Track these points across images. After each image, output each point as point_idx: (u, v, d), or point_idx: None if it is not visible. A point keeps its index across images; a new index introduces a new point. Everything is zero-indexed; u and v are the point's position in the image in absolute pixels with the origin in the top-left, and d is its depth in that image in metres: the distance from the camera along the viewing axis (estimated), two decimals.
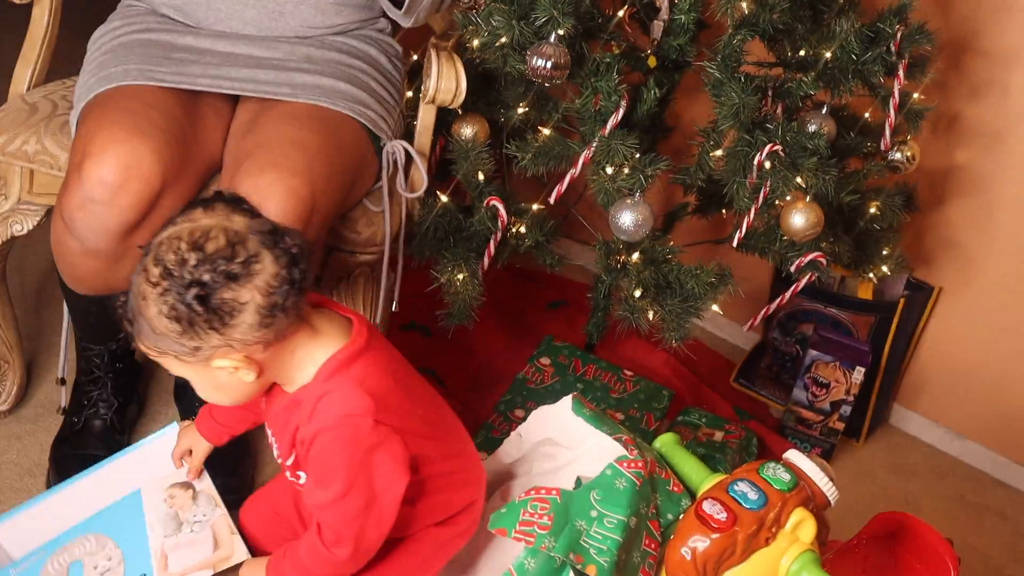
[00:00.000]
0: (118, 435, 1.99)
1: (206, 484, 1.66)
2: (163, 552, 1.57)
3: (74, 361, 2.05)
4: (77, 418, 1.99)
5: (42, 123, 1.86)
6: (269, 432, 1.47)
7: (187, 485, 1.65)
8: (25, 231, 1.90)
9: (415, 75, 2.15)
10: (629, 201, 1.92)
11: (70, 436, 1.99)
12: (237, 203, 1.29)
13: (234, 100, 1.84)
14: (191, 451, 1.64)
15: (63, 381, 2.11)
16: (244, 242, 1.25)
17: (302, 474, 1.42)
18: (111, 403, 1.98)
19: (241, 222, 1.27)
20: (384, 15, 2.01)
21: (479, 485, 1.53)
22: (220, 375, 1.31)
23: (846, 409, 2.39)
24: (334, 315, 1.40)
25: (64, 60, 2.06)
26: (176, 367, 1.32)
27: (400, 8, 1.84)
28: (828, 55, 2.03)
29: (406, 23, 1.90)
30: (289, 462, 1.42)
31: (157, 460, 1.68)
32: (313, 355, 1.35)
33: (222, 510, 1.63)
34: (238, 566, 1.54)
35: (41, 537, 1.61)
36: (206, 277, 1.22)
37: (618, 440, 1.56)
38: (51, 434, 2.04)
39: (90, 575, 1.56)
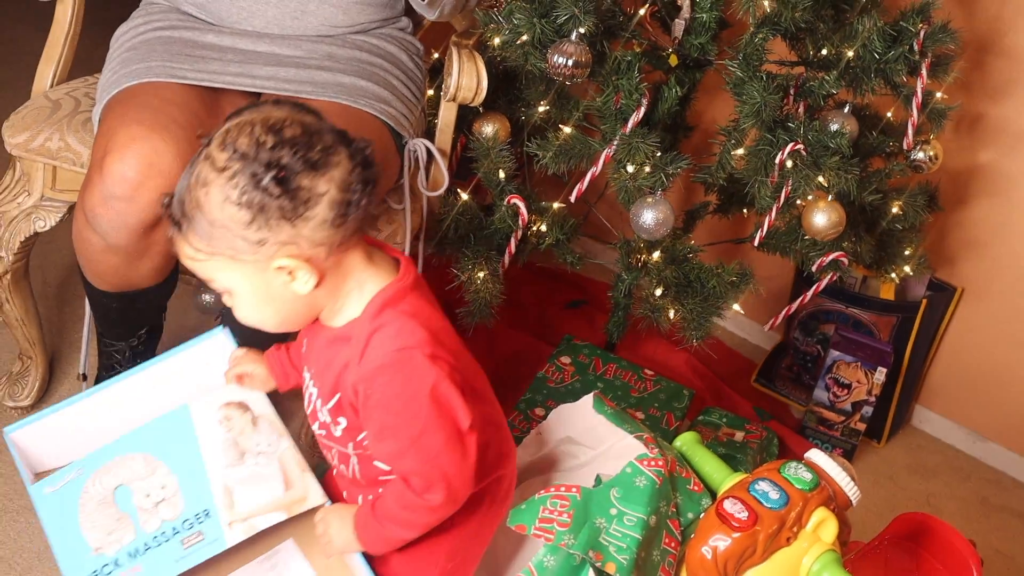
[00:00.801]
0: None
1: (268, 410, 1.50)
2: (226, 486, 1.42)
3: (96, 357, 2.06)
4: None
5: (65, 120, 1.87)
6: (308, 375, 1.40)
7: (244, 407, 1.49)
8: (48, 227, 1.91)
9: (436, 73, 2.15)
10: (650, 199, 1.92)
11: None
12: (302, 106, 1.24)
13: (255, 98, 1.84)
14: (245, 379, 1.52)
15: (84, 377, 2.12)
16: (320, 133, 1.20)
17: (342, 420, 1.34)
18: None
19: (312, 118, 1.22)
20: (406, 13, 2.01)
21: (512, 458, 1.48)
22: (275, 282, 1.23)
23: (867, 410, 2.38)
24: (382, 252, 1.34)
25: (87, 57, 2.07)
26: (225, 273, 1.24)
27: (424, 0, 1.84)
28: (850, 54, 2.02)
29: (430, 15, 1.90)
30: (330, 405, 1.34)
31: (205, 370, 1.54)
32: (363, 285, 1.28)
33: (289, 442, 1.47)
34: (314, 510, 1.41)
35: (76, 449, 1.47)
36: (285, 159, 1.16)
37: (639, 438, 1.56)
38: None
39: (141, 503, 1.41)
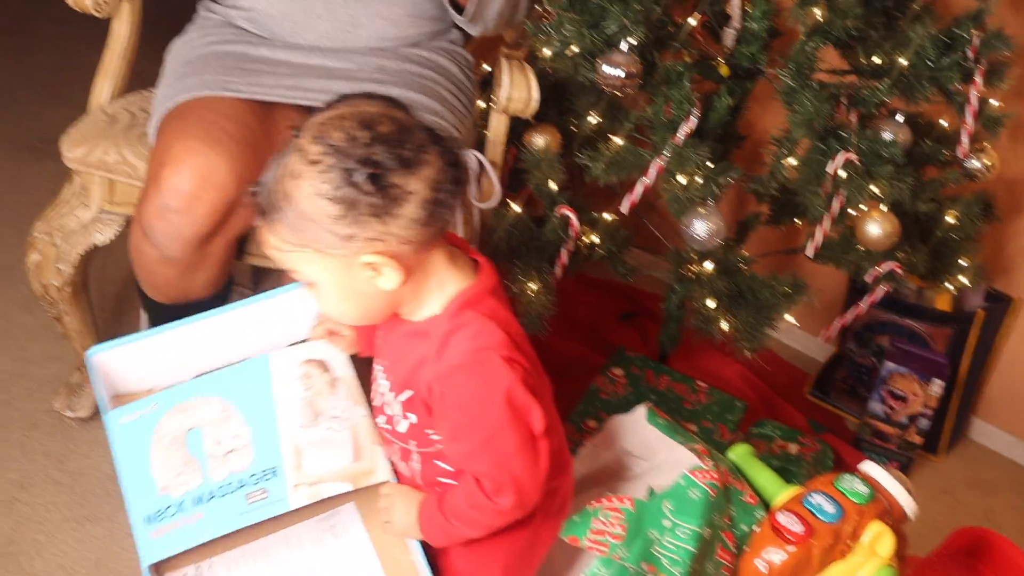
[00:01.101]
0: None
1: (348, 373, 1.48)
2: (297, 446, 1.41)
3: None
4: None
5: (121, 134, 1.89)
6: (380, 367, 1.39)
7: (324, 366, 1.48)
8: (106, 240, 1.93)
9: (487, 85, 2.15)
10: (701, 210, 1.91)
11: None
12: (394, 101, 1.25)
13: (307, 111, 1.85)
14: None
15: None
16: (412, 131, 1.20)
17: (411, 416, 1.34)
18: None
19: (404, 114, 1.22)
20: (457, 26, 2.02)
21: (569, 471, 1.48)
22: (359, 277, 1.23)
23: (924, 422, 2.35)
24: (463, 253, 1.34)
25: (143, 71, 2.10)
26: (309, 265, 1.24)
27: (464, 15, 1.85)
28: (903, 62, 2.00)
29: (474, 31, 1.91)
30: (402, 398, 1.34)
31: (290, 321, 1.51)
32: (444, 284, 1.28)
33: (364, 410, 1.45)
34: (379, 487, 1.41)
35: (155, 378, 1.48)
36: (379, 156, 1.16)
37: (692, 450, 1.55)
38: None
39: (211, 450, 1.40)
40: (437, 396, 1.27)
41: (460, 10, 1.89)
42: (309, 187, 1.17)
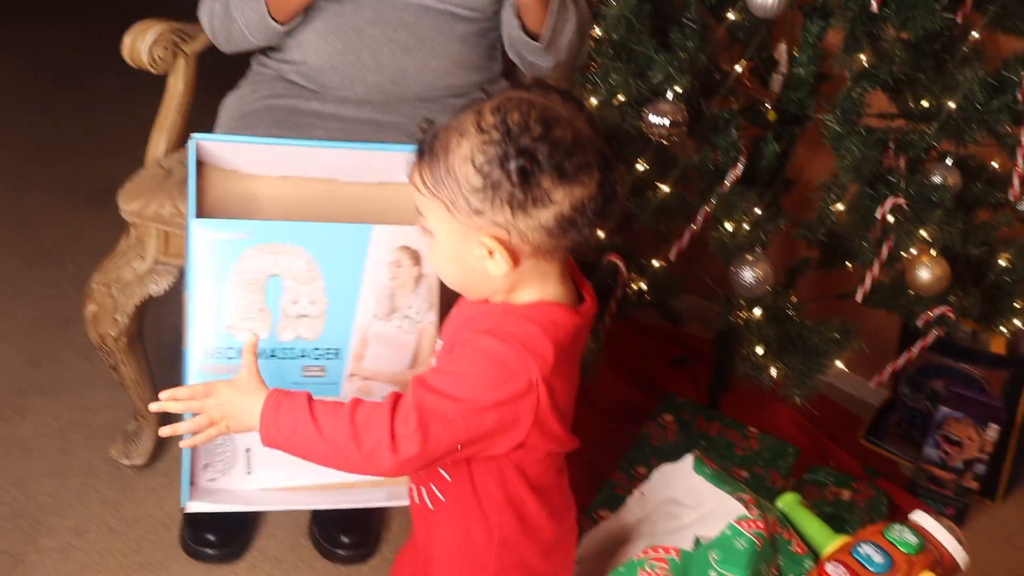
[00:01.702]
0: None
1: (433, 273, 1.45)
2: (365, 336, 1.40)
3: None
4: None
5: (176, 187, 1.93)
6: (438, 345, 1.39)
7: (417, 258, 1.46)
8: (161, 291, 1.97)
9: None
10: (749, 257, 1.91)
11: None
12: (590, 115, 1.24)
13: None
14: None
15: None
16: (586, 149, 1.19)
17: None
18: None
19: (588, 130, 1.21)
20: (505, 75, 2.05)
21: (567, 515, 1.44)
22: (472, 251, 1.22)
23: (980, 468, 2.32)
24: (575, 283, 1.33)
25: (198, 124, 2.14)
26: (435, 217, 1.23)
27: (539, 42, 1.87)
28: (952, 105, 1.99)
29: (546, 62, 1.91)
30: (436, 348, 1.34)
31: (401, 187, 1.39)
32: (541, 295, 1.27)
33: (435, 317, 1.44)
34: None
35: (253, 179, 1.41)
36: (540, 155, 1.16)
37: (739, 499, 1.55)
38: None
39: (286, 307, 1.38)
40: (460, 341, 1.26)
41: (533, 38, 1.90)
42: (467, 150, 1.18)
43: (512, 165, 1.16)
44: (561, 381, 1.26)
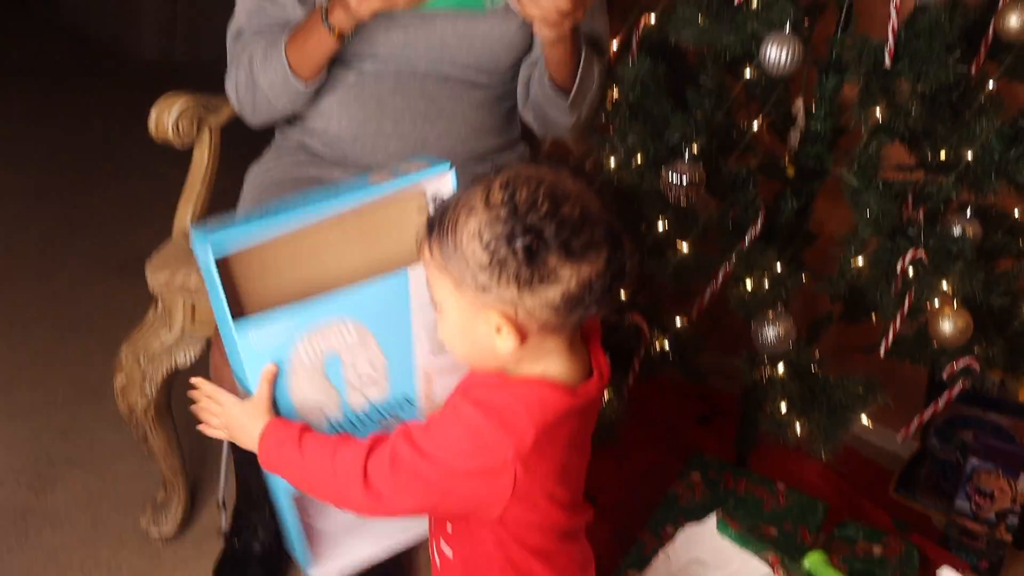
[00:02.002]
0: (277, 560, 2.04)
1: None
2: (427, 373, 1.40)
3: (235, 485, 2.12)
4: (237, 541, 2.06)
5: None
6: None
7: None
8: (188, 362, 1.99)
9: None
10: (771, 314, 1.91)
11: (231, 560, 2.05)
12: (601, 191, 1.23)
13: None
14: None
15: (223, 504, 2.19)
16: (595, 226, 1.18)
17: None
18: (270, 527, 2.03)
19: (598, 207, 1.20)
20: (524, 138, 2.07)
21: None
22: (480, 327, 1.22)
23: (1013, 519, 2.30)
24: (584, 350, 1.31)
25: (224, 192, 2.17)
26: (443, 292, 1.24)
27: (566, 99, 1.89)
28: (969, 156, 2.00)
29: (566, 120, 1.93)
30: None
31: (422, 213, 1.35)
32: (547, 370, 1.26)
33: None
34: None
35: (280, 276, 1.37)
36: (546, 233, 1.15)
37: (764, 560, 1.54)
38: (215, 557, 2.11)
39: (350, 377, 1.38)
40: (448, 403, 1.27)
41: (565, 94, 1.92)
42: (475, 226, 1.18)
43: (519, 243, 1.15)
44: (545, 463, 1.25)
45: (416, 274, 1.38)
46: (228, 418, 1.39)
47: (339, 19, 1.74)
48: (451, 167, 1.39)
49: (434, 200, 1.30)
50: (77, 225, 3.49)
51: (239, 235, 1.29)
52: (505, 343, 1.21)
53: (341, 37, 1.76)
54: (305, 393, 1.37)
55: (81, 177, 3.86)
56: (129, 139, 3.99)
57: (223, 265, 1.30)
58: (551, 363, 1.27)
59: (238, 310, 1.33)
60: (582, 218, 1.17)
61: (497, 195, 1.18)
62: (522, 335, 1.21)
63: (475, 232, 1.17)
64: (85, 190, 3.76)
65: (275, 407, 1.36)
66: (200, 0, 5.27)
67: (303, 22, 1.82)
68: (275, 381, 1.34)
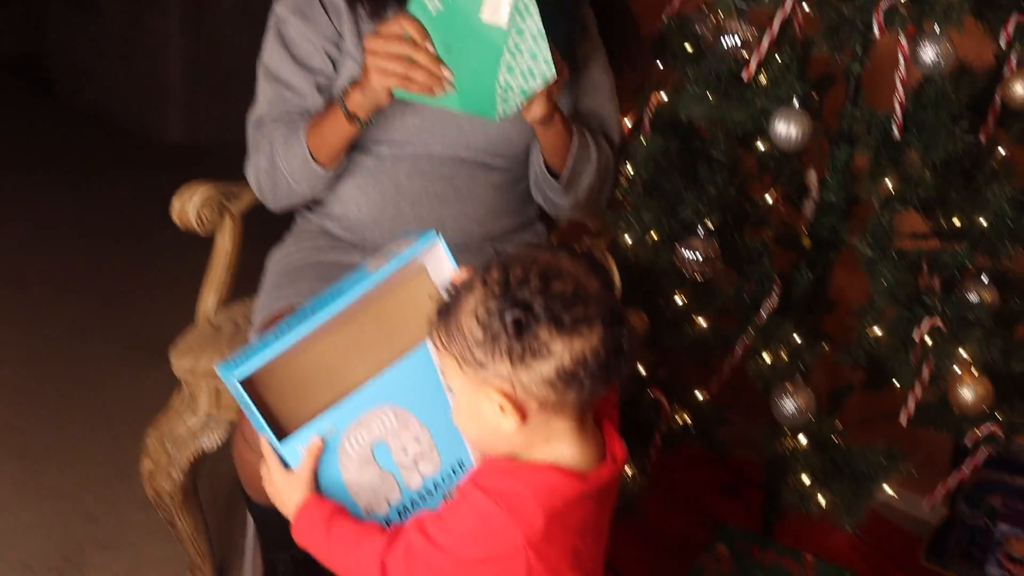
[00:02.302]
0: None
1: None
2: None
3: (262, 566, 2.13)
4: None
5: (226, 343, 1.99)
6: None
7: None
8: (213, 446, 2.01)
9: None
10: (790, 387, 1.92)
11: None
12: (600, 271, 1.26)
13: None
14: None
15: None
16: (587, 303, 1.20)
17: None
18: None
19: (594, 286, 1.22)
20: (541, 218, 2.10)
21: None
22: (485, 406, 1.24)
23: None
24: (598, 436, 1.32)
25: (249, 272, 2.20)
26: (452, 372, 1.26)
27: (559, 181, 1.92)
28: (983, 222, 2.01)
29: (564, 202, 1.96)
30: None
31: (421, 289, 1.42)
32: (558, 455, 1.27)
33: None
34: None
35: (311, 391, 1.40)
36: (536, 307, 1.18)
37: None
38: None
39: (401, 459, 1.40)
40: (459, 490, 1.30)
41: (556, 177, 1.96)
42: (472, 304, 1.21)
43: (508, 317, 1.18)
44: (558, 549, 1.26)
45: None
46: (271, 484, 1.42)
47: (356, 102, 1.77)
48: (438, 235, 1.41)
49: (437, 275, 1.37)
50: (105, 309, 3.53)
51: (259, 359, 1.33)
52: (508, 422, 1.23)
53: (360, 122, 1.80)
54: (363, 484, 1.40)
55: (109, 261, 3.92)
56: (154, 222, 4.04)
57: (249, 385, 1.35)
58: (562, 448, 1.28)
59: (274, 422, 1.38)
60: (574, 294, 1.20)
61: (494, 275, 1.21)
62: (522, 413, 1.23)
63: (472, 309, 1.21)
64: (113, 274, 3.81)
65: (330, 493, 1.39)
66: (222, 84, 5.37)
67: (324, 109, 1.87)
68: (320, 457, 1.37)
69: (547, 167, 1.94)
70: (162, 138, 5.42)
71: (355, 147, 1.91)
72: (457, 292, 1.25)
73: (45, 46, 6.15)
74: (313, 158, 1.86)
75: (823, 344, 2.05)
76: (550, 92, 1.71)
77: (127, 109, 5.58)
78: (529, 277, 1.20)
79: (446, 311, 1.25)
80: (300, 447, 1.36)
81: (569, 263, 1.23)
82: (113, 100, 5.67)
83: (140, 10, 5.38)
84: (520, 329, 1.18)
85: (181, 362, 1.98)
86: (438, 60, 1.67)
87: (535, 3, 1.61)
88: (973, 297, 2.02)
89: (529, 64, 1.65)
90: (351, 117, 1.79)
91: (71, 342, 3.29)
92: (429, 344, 1.35)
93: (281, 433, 1.38)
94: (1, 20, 7.00)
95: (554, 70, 1.66)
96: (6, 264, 3.81)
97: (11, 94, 6.09)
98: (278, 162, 1.89)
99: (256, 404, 1.36)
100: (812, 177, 2.17)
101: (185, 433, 2.02)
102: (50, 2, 6.08)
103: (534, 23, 1.62)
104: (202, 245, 2.22)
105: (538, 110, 1.73)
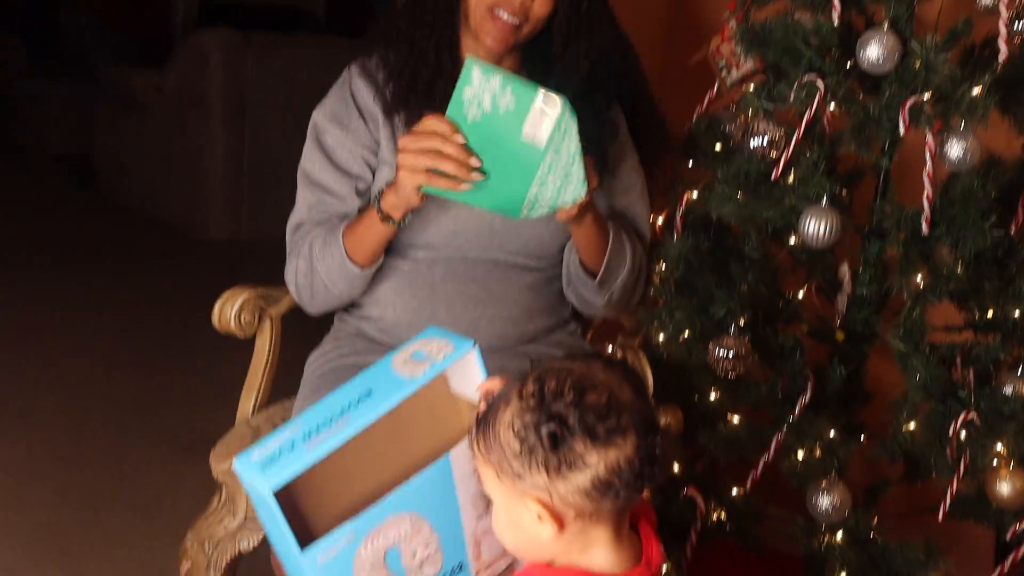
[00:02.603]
0: None
1: None
2: (476, 538, 1.45)
3: None
4: None
5: None
6: None
7: None
8: (251, 547, 2.03)
9: None
10: (824, 483, 1.92)
11: None
12: (634, 379, 1.28)
13: None
14: None
15: None
16: (621, 413, 1.22)
17: None
18: None
19: (628, 395, 1.25)
20: (574, 317, 2.12)
21: None
22: (523, 515, 1.26)
23: None
24: (635, 539, 1.34)
25: (286, 380, 2.24)
26: (491, 482, 1.29)
27: (595, 279, 1.95)
28: (1016, 314, 2.01)
29: (599, 300, 1.98)
30: None
31: (449, 396, 1.48)
32: (592, 562, 1.29)
33: None
34: None
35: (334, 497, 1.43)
36: (571, 420, 1.21)
37: None
38: None
39: (408, 563, 1.42)
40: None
41: (592, 275, 1.98)
42: (509, 417, 1.24)
43: (544, 430, 1.21)
44: None
45: (458, 455, 1.43)
46: None
47: (390, 203, 1.81)
48: (475, 344, 1.42)
49: (459, 382, 1.42)
50: (146, 406, 3.57)
51: (294, 469, 1.32)
52: (546, 530, 1.25)
53: (394, 223, 1.84)
54: None
55: (149, 358, 3.97)
56: (197, 318, 4.12)
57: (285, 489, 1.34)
58: (597, 553, 1.29)
59: (297, 528, 1.37)
60: (608, 405, 1.22)
61: (529, 387, 1.24)
62: (560, 522, 1.24)
63: (509, 422, 1.24)
64: (154, 371, 3.86)
65: None
66: (263, 181, 5.50)
67: (361, 213, 1.91)
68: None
69: (582, 265, 1.97)
70: (205, 235, 5.53)
71: (391, 251, 1.95)
72: (494, 404, 1.27)
73: (93, 146, 6.31)
74: (350, 258, 1.90)
75: (860, 437, 2.04)
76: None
77: (171, 206, 5.71)
78: (563, 390, 1.22)
79: (484, 423, 1.27)
80: (321, 557, 1.35)
81: (603, 373, 1.26)
82: (157, 198, 5.80)
83: (184, 111, 5.53)
84: (556, 442, 1.21)
85: (220, 465, 2.01)
86: (467, 150, 1.69)
87: (576, 124, 1.63)
88: (1008, 390, 2.02)
89: (562, 182, 1.68)
90: (386, 218, 1.83)
91: (111, 439, 3.33)
92: (451, 455, 1.40)
93: (303, 540, 1.36)
94: (52, 121, 7.22)
95: (585, 190, 1.68)
96: (49, 359, 3.88)
97: (60, 191, 6.25)
98: (316, 264, 1.94)
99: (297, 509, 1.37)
100: (845, 271, 2.18)
101: (224, 535, 2.04)
102: (98, 104, 6.25)
103: (573, 143, 1.65)
104: (243, 342, 2.26)
105: (571, 211, 1.77)
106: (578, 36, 1.92)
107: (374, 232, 1.87)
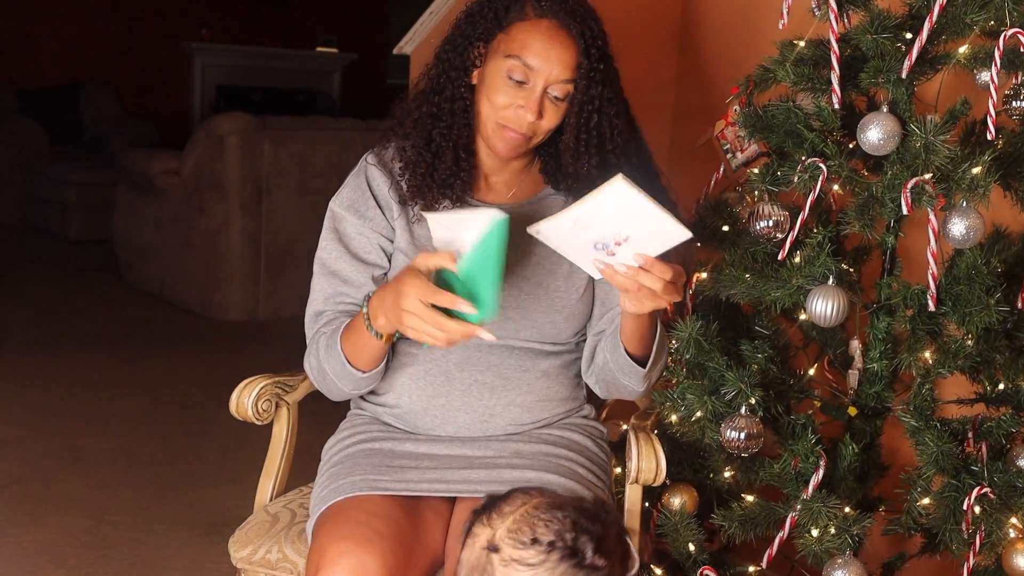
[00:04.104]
0: None
1: None
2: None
3: None
4: None
5: (282, 532, 2.04)
6: None
7: None
8: None
9: (621, 447, 2.25)
10: (839, 561, 1.93)
11: None
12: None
13: (452, 499, 1.98)
14: None
15: None
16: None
17: None
18: None
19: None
20: (589, 400, 2.14)
21: None
22: None
23: None
24: None
25: (304, 465, 2.26)
26: None
27: (644, 367, 1.97)
28: None
29: (640, 387, 2.00)
30: None
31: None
32: None
33: None
34: None
35: None
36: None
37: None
38: None
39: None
40: None
41: (641, 364, 1.98)
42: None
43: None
44: None
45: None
46: None
47: (382, 326, 1.85)
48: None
49: None
50: (165, 488, 3.60)
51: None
52: None
53: (388, 338, 1.88)
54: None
55: (169, 440, 4.00)
56: (214, 401, 4.16)
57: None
58: None
59: None
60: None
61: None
62: None
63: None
64: (173, 453, 3.89)
65: None
66: (281, 262, 5.58)
67: (353, 320, 1.93)
68: None
69: (627, 353, 1.98)
70: (222, 316, 5.59)
71: (406, 340, 1.98)
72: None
73: (112, 230, 6.41)
74: (350, 363, 1.93)
75: (877, 511, 2.05)
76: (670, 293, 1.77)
77: (189, 289, 5.78)
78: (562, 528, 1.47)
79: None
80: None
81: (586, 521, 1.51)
82: (176, 280, 5.88)
83: (201, 195, 5.62)
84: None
85: (239, 553, 2.03)
86: (469, 332, 1.74)
87: (503, 245, 1.71)
88: (1022, 463, 2.03)
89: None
90: (377, 335, 1.86)
91: (131, 522, 3.35)
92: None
93: None
94: (73, 206, 7.34)
95: (494, 314, 1.73)
96: (68, 443, 3.91)
97: (80, 275, 6.34)
98: (323, 364, 1.98)
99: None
100: (856, 346, 2.20)
101: None
102: (117, 188, 6.36)
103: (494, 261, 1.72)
104: (256, 439, 2.28)
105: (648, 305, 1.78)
106: (588, 151, 1.95)
107: (369, 346, 1.90)
